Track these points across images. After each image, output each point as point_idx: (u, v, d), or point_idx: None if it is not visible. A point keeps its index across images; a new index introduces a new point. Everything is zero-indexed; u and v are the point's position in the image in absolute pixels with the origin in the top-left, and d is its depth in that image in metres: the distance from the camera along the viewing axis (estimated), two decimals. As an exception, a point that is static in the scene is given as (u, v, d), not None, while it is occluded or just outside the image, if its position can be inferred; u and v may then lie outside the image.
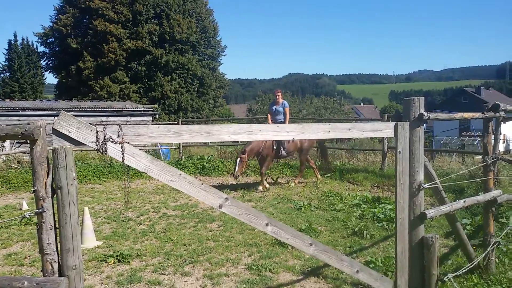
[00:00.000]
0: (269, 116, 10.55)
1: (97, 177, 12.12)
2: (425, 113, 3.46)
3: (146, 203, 8.99)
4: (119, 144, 2.63)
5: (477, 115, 4.28)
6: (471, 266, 4.15)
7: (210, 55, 45.08)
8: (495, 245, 4.43)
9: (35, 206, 2.48)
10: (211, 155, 15.04)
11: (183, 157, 15.18)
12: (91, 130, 2.58)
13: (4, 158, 12.92)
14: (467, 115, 4.21)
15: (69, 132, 2.53)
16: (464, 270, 4.01)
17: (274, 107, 10.49)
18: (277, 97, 10.49)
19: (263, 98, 49.59)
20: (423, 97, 3.60)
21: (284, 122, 10.20)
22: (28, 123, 2.44)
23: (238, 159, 10.01)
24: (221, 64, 48.35)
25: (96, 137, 2.58)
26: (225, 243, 6.03)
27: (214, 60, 45.80)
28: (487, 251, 4.35)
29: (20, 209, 8.55)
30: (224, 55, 48.28)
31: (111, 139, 2.61)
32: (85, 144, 2.61)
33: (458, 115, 4.17)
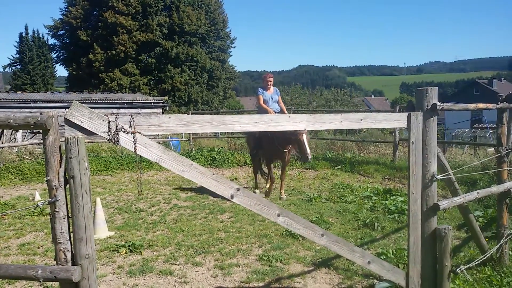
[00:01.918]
0: (266, 106, 8.40)
1: (108, 168, 12.21)
2: (438, 103, 3.42)
3: (157, 194, 9.03)
4: (131, 134, 2.63)
5: (491, 105, 4.22)
6: (484, 258, 4.11)
7: (219, 47, 45.06)
8: (508, 237, 4.38)
9: (47, 197, 2.50)
10: (221, 147, 15.06)
11: (193, 149, 15.22)
12: (103, 120, 2.58)
13: (17, 150, 13.06)
14: (480, 105, 4.15)
15: (81, 122, 2.53)
16: (476, 262, 3.97)
17: (269, 95, 8.54)
18: (269, 82, 8.59)
19: (273, 90, 49.37)
20: (437, 87, 3.56)
21: (282, 112, 8.66)
22: (41, 113, 2.44)
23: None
24: (231, 56, 48.35)
25: (108, 127, 2.58)
26: (235, 234, 6.04)
27: (223, 52, 45.77)
28: (500, 243, 4.31)
29: (33, 199, 8.63)
30: (234, 47, 48.49)
31: (123, 129, 2.61)
32: (97, 134, 2.61)
33: (472, 105, 4.12)
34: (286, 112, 8.88)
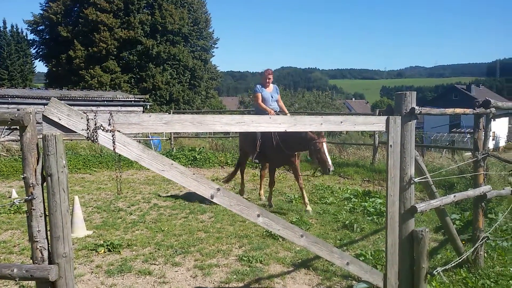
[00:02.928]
0: (265, 105, 7.60)
1: (87, 167, 12.05)
2: (416, 107, 3.47)
3: (137, 193, 8.95)
4: (110, 132, 2.60)
5: (468, 110, 4.30)
6: (460, 260, 4.19)
7: (202, 47, 44.85)
8: (484, 240, 4.47)
9: (24, 194, 2.46)
10: (203, 147, 15.01)
11: (174, 149, 15.14)
12: (82, 118, 2.55)
13: (-7, 146, 12.80)
14: (458, 110, 4.23)
15: (60, 119, 2.50)
16: (453, 264, 4.04)
17: (269, 93, 7.71)
18: (268, 79, 7.73)
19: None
20: (415, 92, 3.61)
21: (283, 112, 7.90)
22: (18, 109, 2.40)
23: None
24: (213, 56, 48.26)
25: (87, 124, 2.55)
26: (216, 234, 6.02)
27: (206, 51, 45.58)
28: (476, 246, 4.39)
29: (10, 197, 8.47)
30: (217, 47, 48.14)
31: (102, 127, 2.58)
32: (76, 132, 2.58)
33: (450, 110, 4.19)
34: (287, 112, 8.04)
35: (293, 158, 7.43)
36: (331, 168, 6.80)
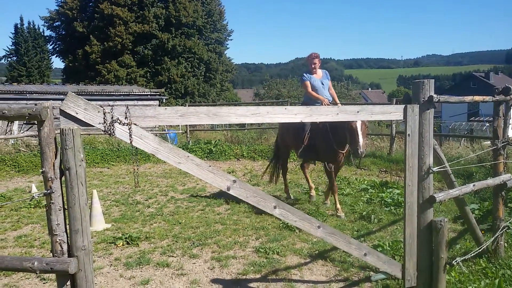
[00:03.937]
0: (316, 94, 6.70)
1: (105, 161, 12.19)
2: (435, 95, 3.41)
3: (154, 186, 9.03)
4: (127, 125, 2.62)
5: (487, 98, 4.22)
6: (480, 250, 4.13)
7: (216, 39, 44.83)
8: (504, 230, 4.40)
9: (44, 189, 2.49)
10: (218, 140, 15.04)
11: (190, 142, 15.20)
12: (99, 112, 2.57)
13: (13, 142, 13.02)
14: (477, 98, 4.14)
15: (76, 113, 2.52)
16: (472, 254, 3.99)
17: (319, 80, 6.80)
18: (314, 64, 6.79)
19: (270, 83, 49.37)
20: (433, 80, 3.55)
21: (334, 101, 6.95)
22: (36, 104, 2.43)
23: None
24: (228, 48, 48.21)
25: (104, 118, 2.57)
26: (232, 226, 6.04)
27: (220, 44, 45.55)
28: (496, 235, 4.32)
29: (30, 192, 8.62)
30: (231, 40, 48.07)
31: (118, 121, 2.59)
32: (93, 126, 2.60)
33: (468, 98, 4.11)
34: (338, 102, 7.05)
35: (341, 155, 6.56)
36: (361, 150, 5.85)
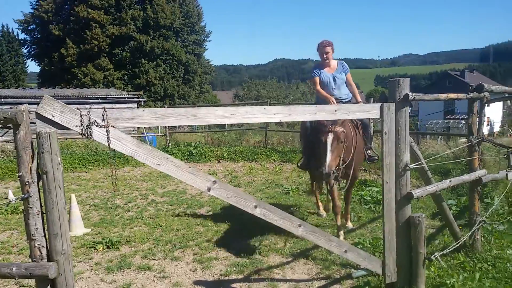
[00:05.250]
0: (324, 92, 5.61)
1: (83, 165, 12.00)
2: (410, 93, 3.48)
3: (133, 190, 8.94)
4: (104, 128, 2.60)
5: (461, 95, 4.31)
6: (458, 245, 4.21)
7: (194, 41, 44.70)
8: (480, 224, 4.50)
9: (21, 194, 2.45)
10: (198, 142, 14.99)
11: (170, 144, 15.11)
12: (75, 114, 2.55)
13: (-12, 148, 12.74)
14: (452, 95, 4.24)
15: (53, 116, 2.49)
16: (451, 249, 4.07)
17: (330, 75, 5.68)
18: (325, 55, 5.63)
19: (249, 84, 49.44)
20: (408, 78, 3.62)
21: (355, 98, 5.90)
22: (11, 107, 2.39)
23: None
24: (206, 50, 48.08)
25: (81, 121, 2.55)
26: (214, 227, 6.03)
27: (199, 46, 45.45)
28: (472, 230, 4.42)
29: (6, 198, 8.44)
30: (209, 41, 48.08)
31: (95, 123, 2.57)
32: (69, 128, 2.57)
33: (443, 95, 4.20)
34: (359, 98, 5.95)
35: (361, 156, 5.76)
36: (325, 171, 4.78)
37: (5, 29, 45.47)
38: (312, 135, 5.51)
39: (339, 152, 4.98)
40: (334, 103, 5.31)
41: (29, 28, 42.58)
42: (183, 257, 4.98)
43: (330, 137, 4.87)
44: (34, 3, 41.55)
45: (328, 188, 5.70)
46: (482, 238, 4.72)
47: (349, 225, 5.89)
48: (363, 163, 6.47)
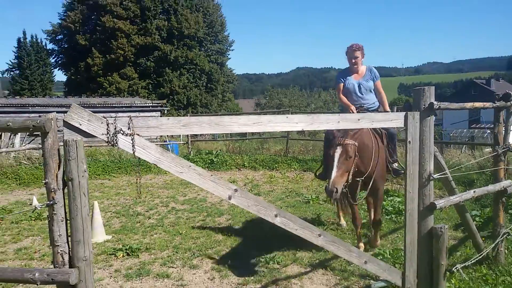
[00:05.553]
0: (345, 99, 5.45)
1: (106, 172, 12.20)
2: (435, 102, 3.43)
3: (155, 197, 9.03)
4: (130, 136, 2.64)
5: (487, 104, 4.24)
6: (480, 257, 4.13)
7: (217, 50, 45.13)
8: (504, 236, 4.40)
9: (45, 201, 2.51)
10: (220, 150, 15.06)
11: (191, 152, 15.23)
12: (102, 123, 2.60)
13: (15, 155, 13.04)
14: (477, 104, 4.17)
15: (80, 124, 2.55)
16: (473, 261, 3.99)
17: (356, 81, 5.44)
18: (354, 60, 5.37)
19: (271, 93, 49.49)
20: (433, 87, 3.58)
21: (383, 107, 5.60)
22: (40, 116, 2.46)
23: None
24: (229, 59, 48.44)
25: (107, 129, 2.59)
26: (233, 236, 6.04)
27: (222, 55, 45.85)
28: (496, 242, 4.32)
29: (31, 204, 8.63)
30: (232, 50, 48.39)
31: (121, 131, 2.62)
32: (96, 137, 2.62)
33: (469, 104, 4.13)
34: (387, 107, 5.65)
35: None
36: (329, 188, 4.48)
37: (34, 39, 46.68)
38: (325, 146, 5.35)
39: (348, 168, 4.58)
40: (354, 112, 5.15)
41: (57, 38, 43.73)
42: (202, 265, 5.00)
43: (338, 151, 4.56)
44: (62, 14, 42.69)
45: (343, 203, 5.51)
46: (506, 250, 4.62)
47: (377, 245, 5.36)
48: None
